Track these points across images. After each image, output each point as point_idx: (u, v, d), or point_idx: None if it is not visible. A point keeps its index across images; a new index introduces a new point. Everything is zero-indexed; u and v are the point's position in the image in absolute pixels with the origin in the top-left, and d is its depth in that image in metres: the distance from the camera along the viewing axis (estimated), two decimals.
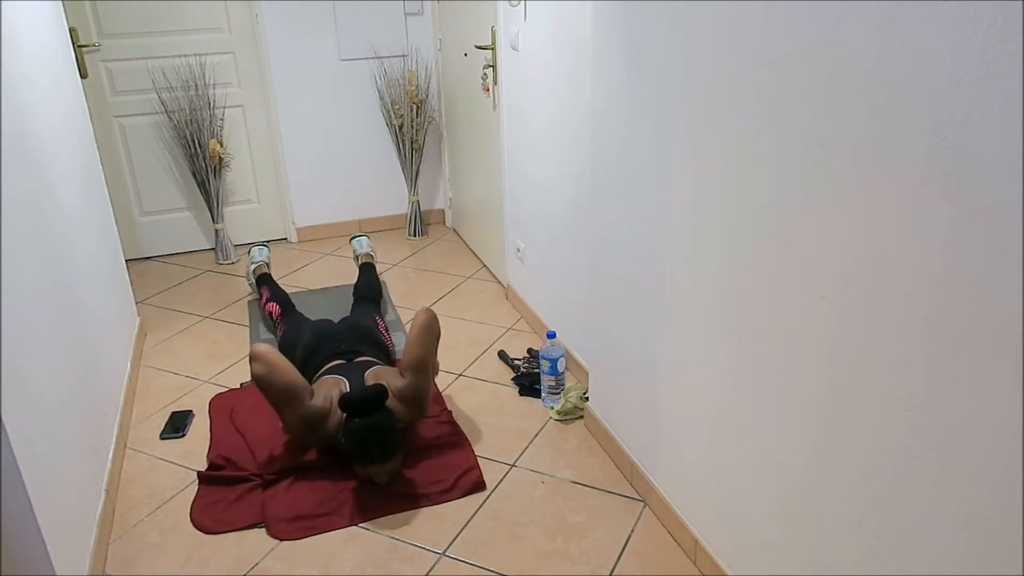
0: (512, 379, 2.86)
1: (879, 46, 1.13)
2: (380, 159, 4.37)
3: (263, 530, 2.15)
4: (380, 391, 2.19)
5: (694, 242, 1.74)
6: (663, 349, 1.98)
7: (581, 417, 2.62)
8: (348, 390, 2.33)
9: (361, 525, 2.16)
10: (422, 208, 4.52)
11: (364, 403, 2.17)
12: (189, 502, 2.26)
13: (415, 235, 4.40)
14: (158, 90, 3.91)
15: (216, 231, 4.10)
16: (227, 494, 2.28)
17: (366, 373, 2.44)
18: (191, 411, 2.72)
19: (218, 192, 4.05)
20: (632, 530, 2.11)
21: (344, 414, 2.24)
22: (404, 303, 3.53)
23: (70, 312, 2.19)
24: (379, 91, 4.21)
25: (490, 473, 2.35)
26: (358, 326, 2.81)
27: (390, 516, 2.19)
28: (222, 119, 4.05)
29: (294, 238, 4.36)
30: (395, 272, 3.90)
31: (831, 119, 1.25)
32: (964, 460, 1.10)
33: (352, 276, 3.70)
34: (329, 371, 2.49)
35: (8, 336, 1.63)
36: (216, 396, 2.80)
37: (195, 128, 3.89)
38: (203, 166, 3.95)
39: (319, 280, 3.83)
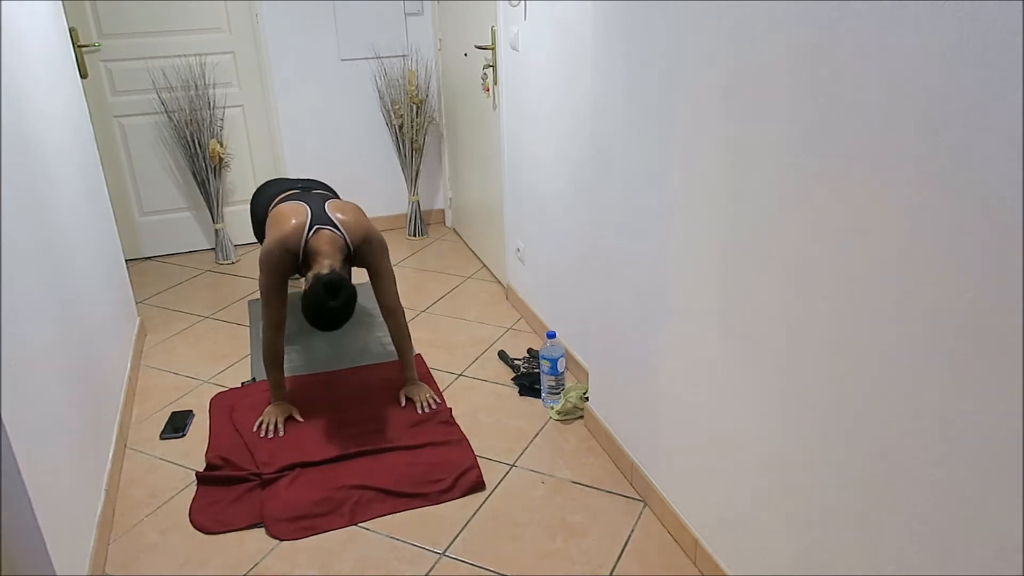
0: (512, 379, 2.86)
1: (879, 46, 1.13)
2: (380, 159, 4.37)
3: (263, 530, 2.15)
4: (347, 283, 2.35)
5: (694, 241, 1.74)
6: (663, 349, 1.98)
7: (581, 417, 2.62)
8: (309, 220, 2.49)
9: (361, 525, 2.16)
10: (422, 208, 4.52)
11: (330, 286, 2.32)
12: (189, 502, 2.26)
13: (415, 235, 4.40)
14: (158, 90, 3.91)
15: (216, 231, 4.10)
16: (226, 494, 2.28)
17: (326, 203, 2.58)
18: (191, 411, 2.72)
19: (218, 192, 4.05)
20: (632, 530, 2.11)
21: (310, 274, 2.41)
22: (404, 303, 3.52)
23: (70, 312, 2.19)
24: (379, 91, 4.21)
25: (490, 473, 2.35)
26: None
27: (390, 516, 2.19)
28: (222, 119, 4.05)
29: None
30: (395, 272, 3.89)
31: (831, 118, 1.25)
32: (964, 460, 1.10)
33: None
34: (286, 199, 2.67)
35: (8, 336, 1.63)
36: (216, 396, 2.80)
37: (195, 128, 3.89)
38: (203, 166, 3.95)
39: None
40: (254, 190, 3.32)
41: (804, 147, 1.33)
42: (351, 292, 2.36)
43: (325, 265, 2.40)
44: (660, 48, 1.76)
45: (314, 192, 2.83)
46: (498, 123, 3.33)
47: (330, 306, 2.31)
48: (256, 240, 3.16)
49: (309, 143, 4.20)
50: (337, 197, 2.86)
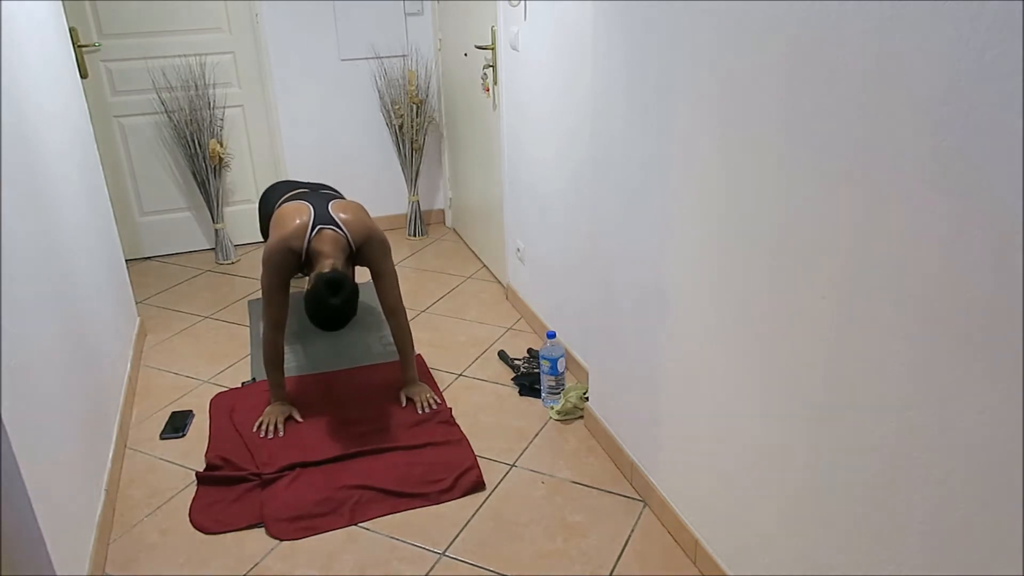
0: (512, 379, 2.86)
1: (879, 46, 1.13)
2: (380, 159, 4.37)
3: (263, 530, 2.15)
4: (348, 281, 2.35)
5: (694, 242, 1.74)
6: (663, 349, 1.98)
7: (581, 417, 2.62)
8: (312, 220, 2.48)
9: (361, 525, 2.16)
10: (422, 208, 4.52)
11: (331, 284, 2.32)
12: (189, 502, 2.26)
13: (415, 235, 4.40)
14: (158, 90, 3.91)
15: (216, 231, 4.10)
16: (226, 494, 2.28)
17: (330, 203, 2.57)
18: (191, 411, 2.72)
19: (218, 192, 4.05)
20: (632, 530, 2.11)
21: (313, 274, 2.42)
22: (404, 303, 3.51)
23: (70, 312, 2.19)
24: (379, 91, 4.21)
25: (490, 473, 2.35)
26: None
27: (390, 516, 2.19)
28: (222, 119, 4.05)
29: None
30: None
31: (831, 119, 1.25)
32: (964, 460, 1.10)
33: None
34: (291, 198, 2.67)
35: (8, 336, 1.63)
36: (216, 396, 2.80)
37: (195, 128, 3.89)
38: (203, 166, 3.95)
39: None
40: (262, 191, 3.33)
41: (804, 147, 1.33)
42: (352, 290, 2.36)
43: (327, 264, 2.40)
44: (660, 48, 1.76)
45: (320, 192, 2.84)
46: (498, 123, 3.33)
47: (331, 303, 2.31)
48: (263, 239, 3.16)
49: (309, 143, 4.20)
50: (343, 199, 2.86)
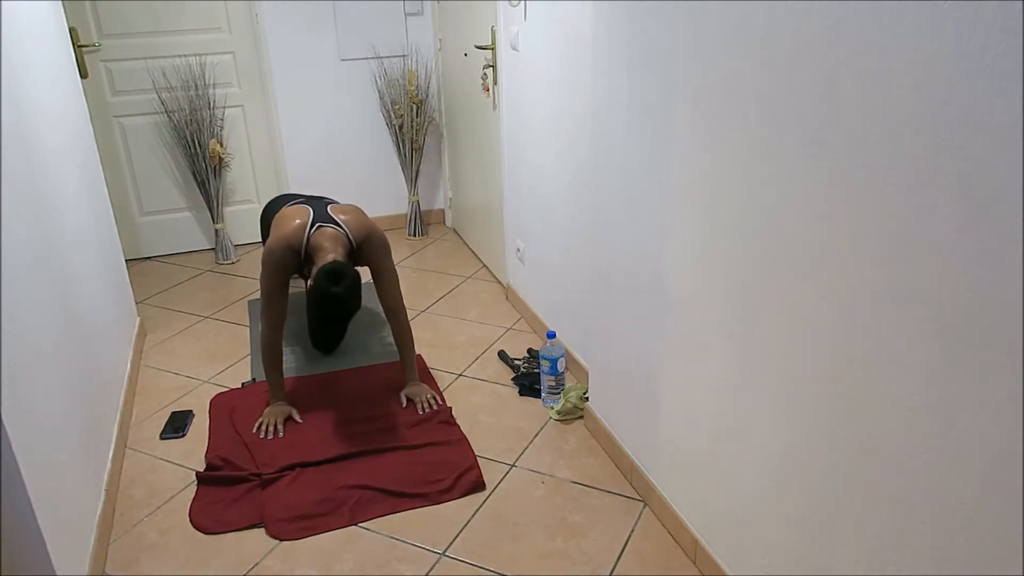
0: (512, 379, 2.86)
1: (879, 46, 1.13)
2: (380, 159, 4.37)
3: (263, 530, 2.15)
4: (349, 270, 2.37)
5: (694, 242, 1.74)
6: (663, 349, 1.98)
7: (581, 417, 2.62)
8: (311, 219, 2.52)
9: (361, 525, 2.16)
10: (422, 208, 4.52)
11: (332, 273, 2.35)
12: (189, 502, 2.26)
13: (415, 235, 4.40)
14: (158, 90, 3.91)
15: (216, 231, 4.10)
16: (226, 494, 2.28)
17: (329, 205, 2.63)
18: (191, 411, 2.72)
19: (218, 192, 4.05)
20: (632, 530, 2.11)
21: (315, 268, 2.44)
22: (404, 303, 3.51)
23: (70, 312, 2.19)
24: (379, 91, 4.21)
25: (490, 473, 2.35)
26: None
27: (390, 516, 2.19)
28: (222, 119, 4.05)
29: None
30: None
31: (831, 119, 1.25)
32: (964, 460, 1.10)
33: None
34: (291, 205, 2.72)
35: (8, 336, 1.63)
36: (216, 396, 2.80)
37: (195, 128, 3.89)
38: (203, 166, 3.95)
39: None
40: (263, 201, 3.33)
41: (804, 147, 1.33)
42: (354, 278, 2.37)
43: (328, 259, 2.41)
44: (660, 48, 1.76)
45: (320, 199, 2.86)
46: (498, 123, 3.33)
47: (333, 292, 2.32)
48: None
49: (309, 143, 4.20)
50: None
